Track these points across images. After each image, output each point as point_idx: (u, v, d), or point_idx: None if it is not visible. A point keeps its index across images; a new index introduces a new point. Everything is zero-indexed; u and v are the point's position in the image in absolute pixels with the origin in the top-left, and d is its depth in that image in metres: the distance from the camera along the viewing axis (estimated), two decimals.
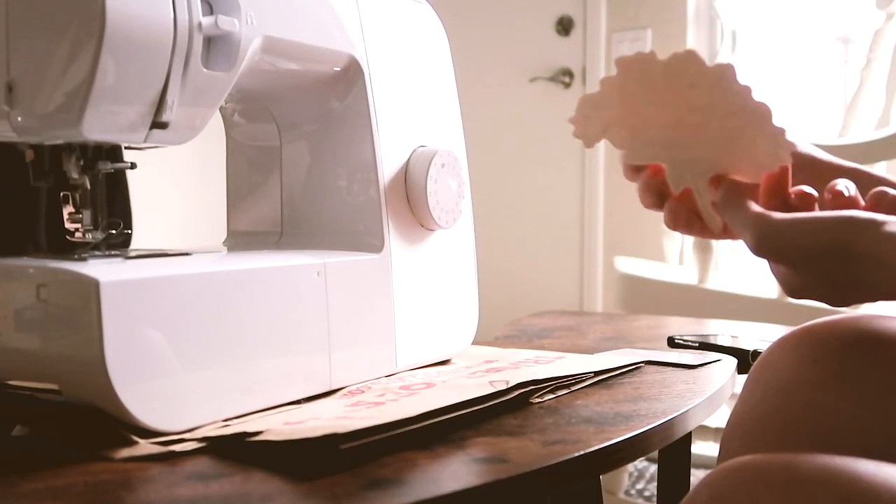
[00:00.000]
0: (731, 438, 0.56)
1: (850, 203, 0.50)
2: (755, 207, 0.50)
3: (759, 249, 0.49)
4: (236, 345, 0.54)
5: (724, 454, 0.56)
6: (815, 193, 0.51)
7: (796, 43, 2.58)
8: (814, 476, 0.40)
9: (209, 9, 0.56)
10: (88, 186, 0.58)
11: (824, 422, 0.51)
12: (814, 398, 0.52)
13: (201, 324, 0.52)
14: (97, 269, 0.49)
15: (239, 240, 0.74)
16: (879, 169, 1.85)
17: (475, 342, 0.77)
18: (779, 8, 2.59)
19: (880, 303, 0.61)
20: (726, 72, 0.50)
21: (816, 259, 0.47)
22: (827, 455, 0.42)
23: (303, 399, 0.59)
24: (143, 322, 0.49)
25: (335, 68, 0.67)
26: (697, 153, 0.52)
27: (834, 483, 0.39)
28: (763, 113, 0.50)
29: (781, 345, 0.56)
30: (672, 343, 0.82)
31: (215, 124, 0.66)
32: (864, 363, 0.52)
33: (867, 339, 0.53)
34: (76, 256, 0.57)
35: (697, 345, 0.80)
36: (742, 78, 0.50)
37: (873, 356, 0.52)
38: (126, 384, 0.48)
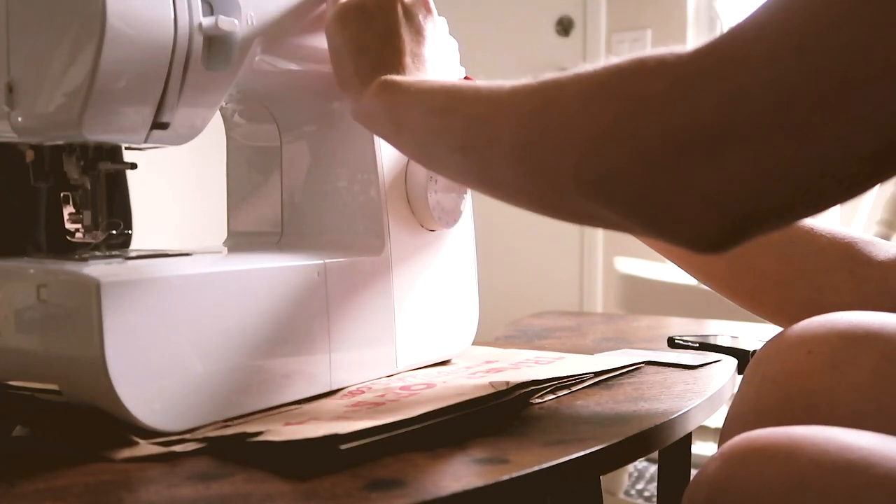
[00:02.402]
0: (730, 430, 0.57)
1: None
2: None
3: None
4: (237, 345, 0.54)
5: (723, 443, 0.57)
6: None
7: None
8: (818, 442, 0.41)
9: (209, 9, 0.56)
10: (89, 187, 0.58)
11: (818, 409, 0.52)
12: (808, 387, 0.53)
13: (201, 324, 0.52)
14: (97, 269, 0.49)
15: (239, 240, 0.74)
16: None
17: (475, 342, 0.77)
18: None
19: None
20: None
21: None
22: (830, 427, 0.43)
23: (303, 399, 0.59)
24: (143, 322, 0.49)
25: None
26: None
27: (838, 447, 0.41)
28: None
29: (777, 340, 0.58)
30: (672, 343, 0.82)
31: (215, 125, 0.66)
32: (857, 352, 0.53)
33: (859, 331, 0.54)
34: (76, 257, 0.57)
35: (697, 345, 0.80)
36: None
37: (865, 346, 0.53)
38: (126, 384, 0.48)
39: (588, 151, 0.42)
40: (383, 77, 0.59)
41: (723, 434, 0.58)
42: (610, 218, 0.44)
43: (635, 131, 0.40)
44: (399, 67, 0.60)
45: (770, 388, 0.55)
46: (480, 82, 0.52)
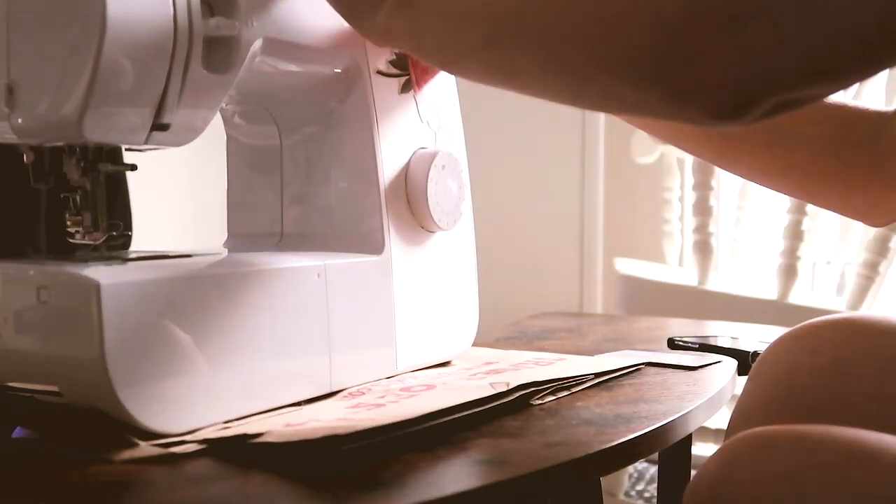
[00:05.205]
0: (735, 428, 0.58)
1: None
2: None
3: None
4: (237, 347, 0.54)
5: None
6: None
7: None
8: (819, 438, 0.41)
9: (209, 11, 0.56)
10: (89, 188, 0.58)
11: (823, 408, 0.52)
12: (813, 385, 0.53)
13: (201, 326, 0.52)
14: (97, 270, 0.49)
15: (239, 241, 0.74)
16: None
17: (475, 344, 0.77)
18: None
19: None
20: None
21: None
22: (831, 425, 0.43)
23: (303, 401, 0.59)
24: (143, 324, 0.49)
25: (335, 70, 0.67)
26: None
27: (838, 443, 0.41)
28: None
29: (783, 339, 0.58)
30: (672, 344, 0.82)
31: (216, 126, 0.66)
32: (861, 353, 0.53)
33: (865, 332, 0.54)
34: (76, 258, 0.57)
35: (697, 346, 0.80)
36: None
37: (870, 347, 0.53)
38: (126, 386, 0.48)
39: (614, 27, 0.42)
40: None
41: (728, 432, 0.59)
42: (630, 96, 0.44)
43: (660, 4, 0.40)
44: None
45: (774, 387, 0.55)
46: None
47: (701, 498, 0.45)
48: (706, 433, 1.81)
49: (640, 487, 1.89)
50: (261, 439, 0.49)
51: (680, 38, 0.40)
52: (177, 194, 2.50)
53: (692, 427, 0.60)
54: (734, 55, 0.39)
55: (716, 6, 0.39)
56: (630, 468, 1.89)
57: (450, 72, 0.63)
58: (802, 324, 0.59)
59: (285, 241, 0.71)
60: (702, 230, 1.65)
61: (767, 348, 0.59)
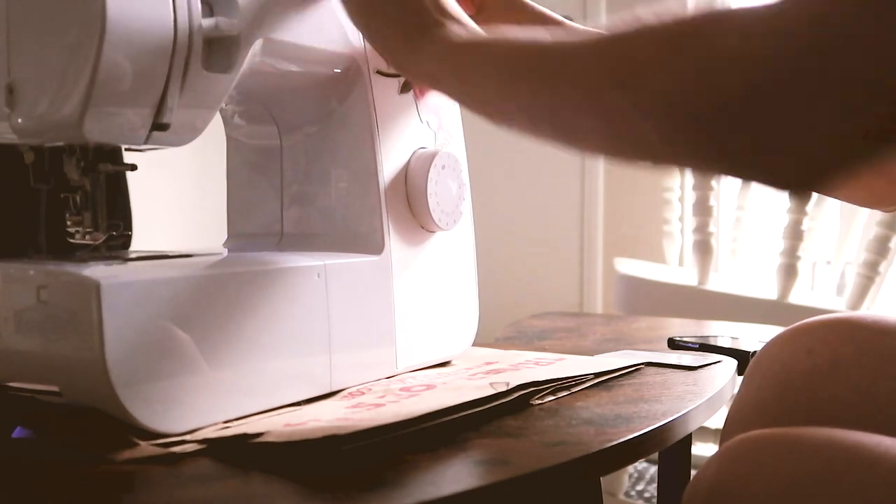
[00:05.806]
0: (731, 427, 0.58)
1: None
2: None
3: None
4: (237, 346, 0.54)
5: (724, 442, 0.57)
6: None
7: None
8: (817, 442, 0.41)
9: (209, 11, 0.56)
10: (89, 188, 0.58)
11: (819, 409, 0.52)
12: (809, 386, 0.53)
13: (202, 326, 0.52)
14: (97, 270, 0.49)
15: (239, 241, 0.74)
16: None
17: (475, 344, 0.77)
18: None
19: None
20: None
21: None
22: (828, 428, 0.43)
23: (303, 401, 0.59)
24: (143, 324, 0.49)
25: (335, 70, 0.67)
26: None
27: (836, 447, 0.41)
28: None
29: (778, 339, 0.58)
30: (672, 344, 0.82)
31: (216, 126, 0.66)
32: (857, 353, 0.53)
33: (860, 332, 0.54)
34: (76, 258, 0.57)
35: (698, 346, 0.80)
36: None
37: (866, 347, 0.53)
38: (127, 386, 0.48)
39: (672, 105, 0.42)
40: (438, 35, 0.55)
41: (723, 434, 0.59)
42: (694, 164, 0.43)
43: (716, 83, 0.39)
44: (440, 18, 0.56)
45: (771, 388, 0.55)
46: (542, 36, 0.50)
47: (698, 502, 0.45)
48: (706, 433, 1.81)
49: (640, 487, 1.89)
50: (261, 439, 0.49)
51: (739, 118, 0.39)
52: (177, 194, 2.49)
53: (692, 427, 0.60)
54: (804, 135, 0.38)
55: (770, 85, 0.38)
56: (630, 468, 1.90)
57: (498, 125, 0.60)
58: (798, 323, 0.59)
59: (285, 241, 0.71)
60: (702, 230, 1.65)
61: (763, 348, 0.59)
